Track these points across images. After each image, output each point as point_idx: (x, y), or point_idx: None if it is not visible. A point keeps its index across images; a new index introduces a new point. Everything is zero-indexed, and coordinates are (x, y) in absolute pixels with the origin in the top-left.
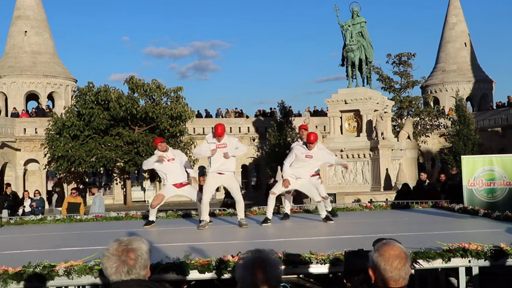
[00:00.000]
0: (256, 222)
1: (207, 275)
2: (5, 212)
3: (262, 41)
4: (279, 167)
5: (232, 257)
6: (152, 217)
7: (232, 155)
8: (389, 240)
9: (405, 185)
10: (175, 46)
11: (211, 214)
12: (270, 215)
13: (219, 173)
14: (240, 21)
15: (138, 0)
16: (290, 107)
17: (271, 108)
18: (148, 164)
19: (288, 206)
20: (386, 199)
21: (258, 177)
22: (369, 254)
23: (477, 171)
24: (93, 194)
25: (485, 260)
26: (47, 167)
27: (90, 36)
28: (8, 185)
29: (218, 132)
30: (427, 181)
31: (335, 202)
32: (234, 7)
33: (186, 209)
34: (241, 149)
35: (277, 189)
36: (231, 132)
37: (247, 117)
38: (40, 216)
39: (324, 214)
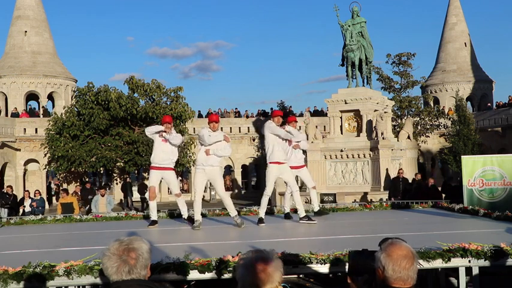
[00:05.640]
0: (256, 222)
1: (207, 275)
2: (2, 212)
3: (265, 42)
4: None
5: (232, 257)
6: (154, 216)
7: (215, 153)
8: (395, 240)
9: (410, 184)
10: (179, 46)
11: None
12: (263, 214)
13: (207, 168)
14: (243, 21)
15: (143, 0)
16: (290, 106)
17: (271, 109)
18: (151, 130)
19: (288, 206)
20: (386, 199)
21: (258, 177)
22: (376, 254)
23: (477, 171)
24: (102, 196)
25: (485, 260)
26: (47, 167)
27: (95, 36)
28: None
29: (213, 119)
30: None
31: (335, 202)
32: (237, 8)
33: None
34: (227, 150)
35: (269, 189)
36: (231, 132)
37: (247, 117)
38: (40, 216)
39: (302, 213)
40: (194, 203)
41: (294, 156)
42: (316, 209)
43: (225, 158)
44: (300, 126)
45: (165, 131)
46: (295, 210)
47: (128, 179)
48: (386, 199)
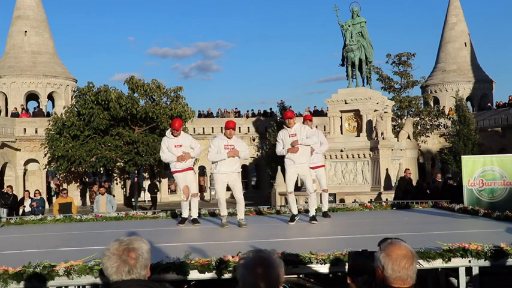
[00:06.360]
0: (256, 222)
1: (207, 275)
2: (2, 211)
3: (265, 42)
4: (279, 167)
5: (232, 257)
6: (185, 214)
7: (242, 156)
8: (395, 239)
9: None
10: (179, 46)
11: (212, 214)
12: (295, 211)
13: (226, 173)
14: (243, 21)
15: (143, 0)
16: (290, 106)
17: (270, 109)
18: (165, 157)
19: (326, 204)
20: (387, 199)
21: (258, 177)
22: (375, 254)
23: (477, 171)
24: (102, 194)
25: (485, 260)
26: (47, 167)
27: (95, 36)
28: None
29: (230, 126)
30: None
31: (335, 202)
32: (237, 8)
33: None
34: (246, 152)
35: (290, 186)
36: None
37: (247, 117)
38: (40, 216)
39: (312, 212)
40: (219, 203)
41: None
42: (324, 209)
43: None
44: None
45: (180, 158)
46: (306, 210)
47: (136, 179)
48: (387, 199)
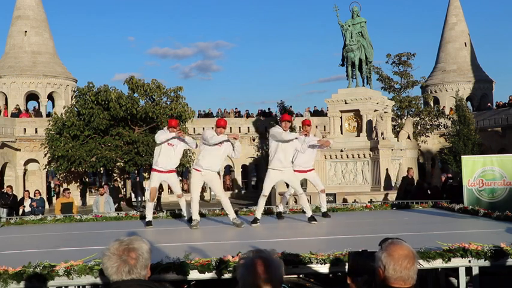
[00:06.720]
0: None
1: (207, 275)
2: (2, 212)
3: (265, 42)
4: None
5: (232, 257)
6: (149, 217)
7: (236, 145)
8: (396, 239)
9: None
10: (179, 46)
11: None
12: (259, 215)
13: (203, 170)
14: (243, 21)
15: (143, 0)
16: (290, 106)
17: (268, 109)
18: (162, 138)
19: (282, 207)
20: (387, 199)
21: (258, 177)
22: (376, 254)
23: (477, 171)
24: (102, 195)
25: (485, 260)
26: (47, 167)
27: (95, 36)
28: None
29: (221, 124)
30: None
31: (335, 202)
32: (237, 8)
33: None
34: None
35: (267, 189)
36: (231, 132)
37: (247, 117)
38: (40, 216)
39: (309, 212)
40: (191, 203)
41: (300, 160)
42: (324, 210)
43: (225, 158)
44: (299, 127)
45: (178, 135)
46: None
47: (137, 178)
48: (387, 199)
